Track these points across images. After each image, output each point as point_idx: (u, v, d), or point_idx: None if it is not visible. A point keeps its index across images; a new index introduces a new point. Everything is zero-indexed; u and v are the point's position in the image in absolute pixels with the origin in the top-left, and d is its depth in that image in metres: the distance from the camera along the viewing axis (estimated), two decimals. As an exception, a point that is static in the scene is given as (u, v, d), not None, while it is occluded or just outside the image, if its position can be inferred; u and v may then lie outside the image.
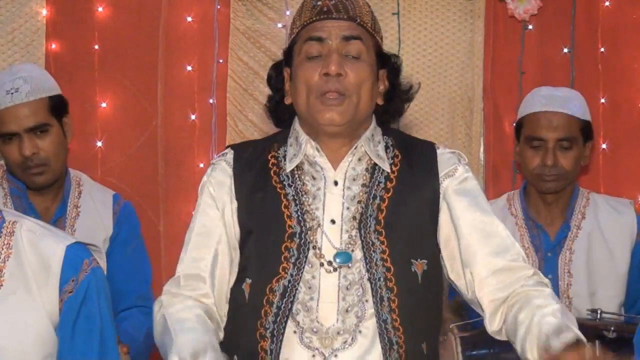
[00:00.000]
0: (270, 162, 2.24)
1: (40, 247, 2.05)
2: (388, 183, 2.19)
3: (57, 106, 2.96)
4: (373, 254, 2.14)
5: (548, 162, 3.09)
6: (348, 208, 2.17)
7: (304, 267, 2.13)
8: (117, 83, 3.78)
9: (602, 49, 3.80)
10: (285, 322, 2.11)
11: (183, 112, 3.85)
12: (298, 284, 2.12)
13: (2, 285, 2.03)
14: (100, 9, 3.76)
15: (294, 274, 2.13)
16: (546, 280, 2.21)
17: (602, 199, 3.25)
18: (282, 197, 2.19)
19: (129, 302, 3.02)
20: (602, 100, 3.78)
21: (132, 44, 3.79)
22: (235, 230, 2.21)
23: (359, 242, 2.15)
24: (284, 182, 2.20)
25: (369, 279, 2.12)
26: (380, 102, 2.24)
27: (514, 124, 3.35)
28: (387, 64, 2.25)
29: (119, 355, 2.18)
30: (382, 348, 2.10)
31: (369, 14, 2.23)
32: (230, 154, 2.27)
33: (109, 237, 3.06)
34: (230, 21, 3.85)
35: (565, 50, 3.80)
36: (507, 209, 3.25)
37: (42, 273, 2.03)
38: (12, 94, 2.86)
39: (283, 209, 2.18)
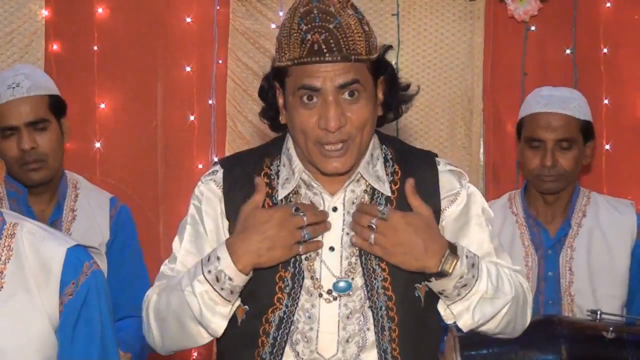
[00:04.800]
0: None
1: (41, 249, 2.05)
2: (388, 204, 2.10)
3: (56, 105, 2.98)
4: (374, 282, 2.07)
5: (547, 163, 3.10)
6: (348, 234, 2.09)
7: (299, 297, 2.07)
8: (117, 84, 3.78)
9: (605, 50, 3.80)
10: (282, 354, 2.07)
11: (182, 113, 3.85)
12: (293, 314, 2.07)
13: (2, 287, 2.03)
14: (100, 10, 3.76)
15: (289, 304, 2.07)
16: (520, 280, 2.20)
17: (602, 199, 3.26)
18: None
19: (125, 311, 3.00)
20: (605, 102, 3.78)
21: (132, 45, 3.79)
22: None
23: (360, 269, 2.08)
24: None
25: (370, 307, 2.07)
26: (379, 113, 2.14)
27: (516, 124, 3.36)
28: (385, 71, 2.13)
29: (119, 358, 2.18)
30: None
31: (362, 38, 2.04)
32: (219, 173, 2.16)
33: (105, 242, 3.05)
34: (230, 22, 3.85)
35: (568, 51, 3.81)
36: (507, 207, 3.26)
37: (42, 275, 2.03)
38: (13, 88, 2.90)
39: None
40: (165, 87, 3.83)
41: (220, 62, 3.83)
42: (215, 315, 2.04)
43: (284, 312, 2.07)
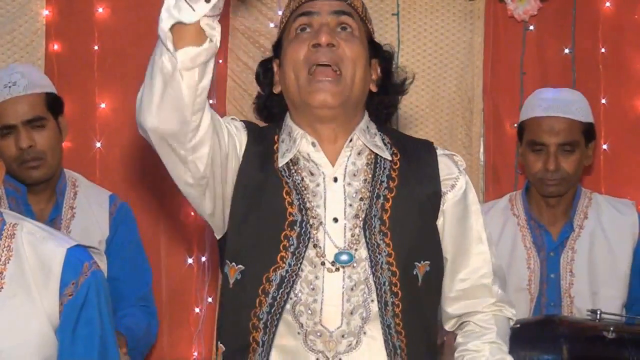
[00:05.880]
0: (275, 146, 2.17)
1: (40, 249, 2.05)
2: (390, 182, 2.13)
3: (54, 103, 3.00)
4: (379, 256, 2.08)
5: (550, 167, 3.09)
6: (350, 205, 2.11)
7: (303, 257, 2.06)
8: (117, 83, 3.77)
9: (603, 50, 3.79)
10: (280, 314, 2.06)
11: (182, 112, 3.83)
12: (296, 274, 2.06)
13: (2, 287, 2.03)
14: (100, 10, 3.75)
15: (292, 264, 2.06)
16: (505, 314, 2.25)
17: (604, 199, 3.26)
18: (284, 184, 2.11)
19: (128, 303, 3.03)
20: (603, 101, 3.77)
21: (132, 45, 3.78)
22: (230, 172, 2.09)
23: (363, 241, 2.09)
24: (283, 174, 2.13)
25: (374, 282, 2.07)
26: (373, 89, 2.18)
27: (516, 126, 3.35)
28: (379, 53, 2.20)
29: (119, 358, 2.18)
30: (387, 355, 2.07)
31: (360, 1, 2.19)
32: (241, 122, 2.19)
33: (105, 239, 3.07)
34: (230, 21, 3.84)
35: (567, 51, 3.80)
36: (509, 209, 3.25)
37: (42, 276, 2.03)
38: (9, 87, 2.92)
39: (284, 195, 2.10)
40: (166, 86, 3.82)
41: (220, 61, 3.82)
42: (169, 15, 1.85)
43: (287, 272, 2.06)
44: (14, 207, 2.97)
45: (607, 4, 3.79)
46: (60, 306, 2.04)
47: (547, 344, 2.76)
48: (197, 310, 3.69)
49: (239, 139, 2.13)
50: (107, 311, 2.11)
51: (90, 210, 3.09)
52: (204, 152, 2.00)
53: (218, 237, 2.17)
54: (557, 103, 3.14)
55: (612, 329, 2.77)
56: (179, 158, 2.00)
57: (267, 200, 2.10)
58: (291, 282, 2.06)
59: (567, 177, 3.12)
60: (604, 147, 3.76)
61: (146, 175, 3.79)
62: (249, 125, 2.18)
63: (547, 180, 3.12)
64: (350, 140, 2.15)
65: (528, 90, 3.56)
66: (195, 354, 3.77)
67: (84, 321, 2.05)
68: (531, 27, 3.80)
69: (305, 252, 2.07)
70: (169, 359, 3.71)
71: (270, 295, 2.06)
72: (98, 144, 3.74)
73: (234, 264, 2.10)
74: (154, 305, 3.19)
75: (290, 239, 2.08)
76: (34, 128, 2.94)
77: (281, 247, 2.07)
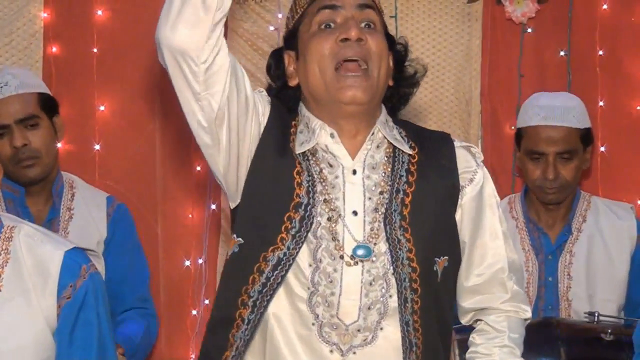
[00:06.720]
0: (292, 130, 2.16)
1: (38, 252, 2.05)
2: (409, 177, 2.12)
3: (47, 103, 3.02)
4: (399, 252, 2.07)
5: (549, 176, 3.09)
6: (370, 198, 2.10)
7: (303, 241, 2.05)
8: (116, 86, 3.77)
9: (601, 52, 3.79)
10: (272, 294, 2.05)
11: (181, 115, 3.82)
12: (293, 258, 2.04)
13: (0, 290, 2.03)
14: (99, 12, 3.75)
15: (291, 247, 2.05)
16: (520, 316, 2.26)
17: (602, 203, 3.26)
18: (297, 164, 2.10)
19: (127, 304, 3.04)
20: (601, 104, 3.78)
21: (131, 47, 3.78)
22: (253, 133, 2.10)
23: (384, 235, 2.07)
24: (298, 157, 2.12)
25: (394, 275, 2.06)
26: (390, 83, 2.18)
27: (513, 128, 3.35)
28: (393, 46, 2.20)
29: (117, 361, 2.18)
30: (403, 352, 2.07)
31: None
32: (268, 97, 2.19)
33: (103, 240, 3.08)
34: (228, 24, 3.84)
35: (562, 53, 3.80)
36: (507, 211, 3.25)
37: (40, 279, 2.03)
38: (1, 87, 2.95)
39: (295, 174, 2.09)
40: (164, 88, 3.82)
41: (219, 64, 3.83)
42: None
43: (284, 254, 2.04)
44: (11, 209, 2.98)
45: (604, 6, 3.79)
46: (58, 309, 2.04)
47: (544, 347, 2.76)
48: (194, 312, 3.69)
49: (263, 108, 2.13)
50: (105, 313, 2.11)
51: (88, 212, 3.10)
52: (218, 89, 2.00)
53: (232, 206, 2.16)
54: (554, 112, 3.12)
55: (609, 331, 2.78)
56: (192, 92, 2.02)
57: (277, 178, 2.09)
58: (287, 266, 2.05)
59: (566, 184, 3.12)
60: (602, 149, 3.76)
61: (145, 177, 3.79)
62: (272, 101, 2.18)
63: (546, 189, 3.12)
64: (372, 134, 2.14)
65: (526, 92, 3.56)
66: (193, 356, 3.77)
67: (82, 323, 2.05)
68: (529, 30, 3.80)
69: (306, 236, 2.05)
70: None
71: (264, 275, 2.05)
72: (97, 147, 3.74)
73: (234, 235, 2.09)
74: (152, 306, 3.20)
75: (293, 221, 2.06)
76: (27, 127, 2.96)
77: (283, 229, 2.06)
